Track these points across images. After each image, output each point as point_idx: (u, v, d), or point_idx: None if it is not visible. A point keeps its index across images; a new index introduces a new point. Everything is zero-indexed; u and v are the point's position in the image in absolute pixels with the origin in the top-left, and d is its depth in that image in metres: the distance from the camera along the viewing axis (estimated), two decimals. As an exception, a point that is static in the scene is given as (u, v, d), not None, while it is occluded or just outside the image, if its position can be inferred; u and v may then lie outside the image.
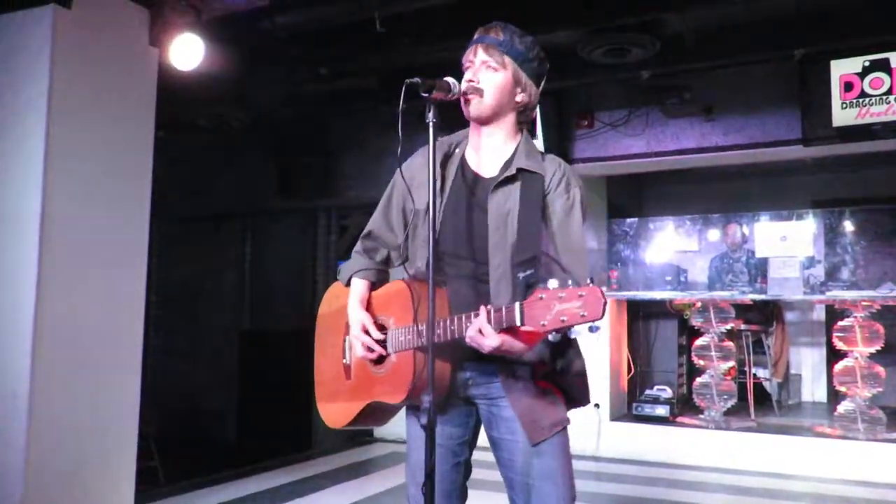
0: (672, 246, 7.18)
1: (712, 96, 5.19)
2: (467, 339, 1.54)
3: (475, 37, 1.78)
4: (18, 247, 3.26)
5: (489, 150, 1.79)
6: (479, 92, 1.72)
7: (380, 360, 1.80)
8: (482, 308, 1.52)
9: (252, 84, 5.06)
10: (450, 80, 1.68)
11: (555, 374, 1.71)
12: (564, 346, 1.70)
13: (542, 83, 1.83)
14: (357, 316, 1.84)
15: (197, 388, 6.88)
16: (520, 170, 1.72)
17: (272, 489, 4.58)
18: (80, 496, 3.38)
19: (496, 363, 1.68)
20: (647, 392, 5.98)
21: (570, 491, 1.69)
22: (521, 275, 1.54)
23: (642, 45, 4.31)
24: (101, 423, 3.49)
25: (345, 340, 1.92)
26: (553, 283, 1.39)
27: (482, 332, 1.51)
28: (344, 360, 1.91)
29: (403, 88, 1.58)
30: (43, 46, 3.29)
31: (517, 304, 1.44)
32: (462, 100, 1.72)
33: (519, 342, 1.52)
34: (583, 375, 1.76)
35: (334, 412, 1.93)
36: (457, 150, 1.84)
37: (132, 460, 3.67)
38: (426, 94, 1.61)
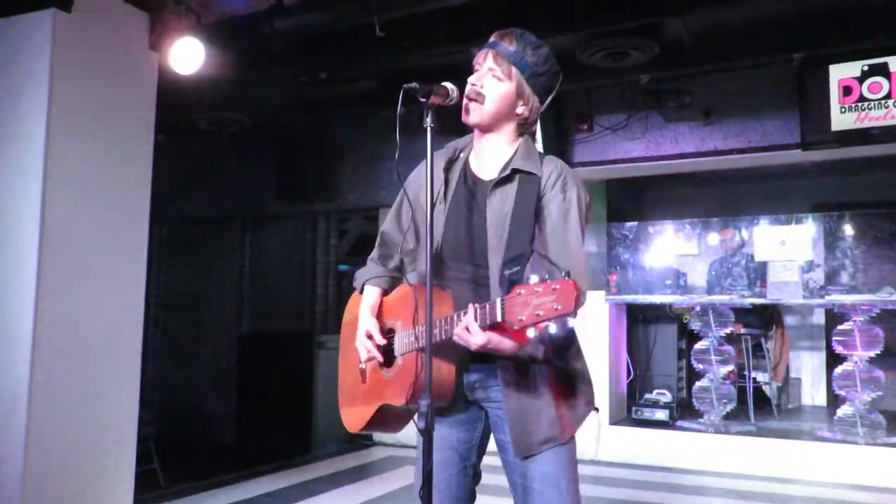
0: (672, 249, 7.18)
1: (711, 100, 5.19)
2: (455, 338, 1.55)
3: (490, 40, 1.76)
4: (18, 249, 3.27)
5: (490, 154, 1.79)
6: (481, 98, 1.72)
7: (389, 363, 1.81)
8: (470, 306, 1.53)
9: (252, 88, 5.07)
10: (448, 85, 1.67)
11: (558, 376, 1.69)
12: (562, 349, 1.69)
13: (551, 97, 1.81)
14: (363, 322, 1.86)
15: (196, 390, 6.88)
16: (515, 170, 1.72)
17: (271, 493, 4.57)
18: (78, 499, 3.38)
19: (497, 366, 1.67)
20: (647, 396, 5.98)
21: (573, 497, 1.67)
22: (507, 272, 1.54)
23: (641, 48, 4.32)
24: (100, 425, 3.49)
25: None
26: (534, 279, 1.39)
27: (468, 330, 1.52)
28: (360, 366, 1.91)
29: (401, 93, 1.59)
30: (43, 50, 3.30)
31: (498, 300, 1.45)
32: (463, 103, 1.73)
33: (507, 341, 1.53)
34: (580, 380, 1.74)
35: (352, 416, 1.94)
36: (461, 155, 1.85)
37: (131, 463, 3.68)
38: (424, 100, 1.61)
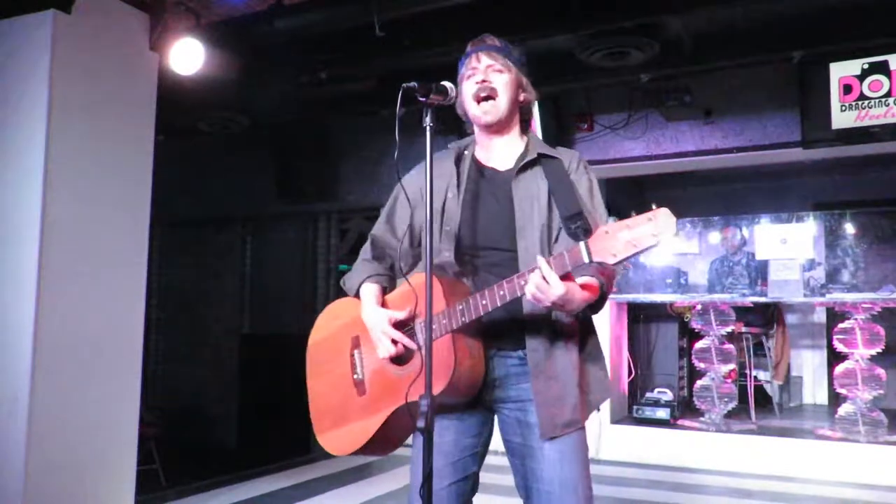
0: (672, 248, 7.18)
1: (712, 99, 5.19)
2: (529, 294, 1.52)
3: (473, 46, 1.81)
4: (19, 250, 3.27)
5: (501, 148, 1.85)
6: (494, 92, 1.77)
7: (401, 360, 1.74)
8: (539, 258, 1.52)
9: (252, 88, 5.07)
10: (447, 84, 1.69)
11: (582, 361, 1.75)
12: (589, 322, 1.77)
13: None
14: (377, 315, 1.77)
15: (197, 391, 6.88)
16: (541, 155, 1.80)
17: (272, 493, 4.57)
18: (80, 499, 3.39)
19: (526, 356, 1.70)
20: (648, 395, 5.97)
21: (588, 501, 1.69)
22: (572, 226, 1.55)
23: (641, 47, 4.31)
24: (101, 426, 3.50)
25: (353, 356, 1.84)
26: (614, 220, 1.44)
27: (547, 281, 1.49)
28: (355, 376, 1.81)
29: (400, 93, 1.59)
30: (43, 51, 3.30)
31: (581, 243, 1.46)
32: (475, 103, 1.78)
33: (579, 291, 1.55)
34: (597, 366, 1.84)
35: (342, 437, 1.82)
36: (466, 152, 1.88)
37: (132, 463, 3.68)
38: (423, 99, 1.62)
